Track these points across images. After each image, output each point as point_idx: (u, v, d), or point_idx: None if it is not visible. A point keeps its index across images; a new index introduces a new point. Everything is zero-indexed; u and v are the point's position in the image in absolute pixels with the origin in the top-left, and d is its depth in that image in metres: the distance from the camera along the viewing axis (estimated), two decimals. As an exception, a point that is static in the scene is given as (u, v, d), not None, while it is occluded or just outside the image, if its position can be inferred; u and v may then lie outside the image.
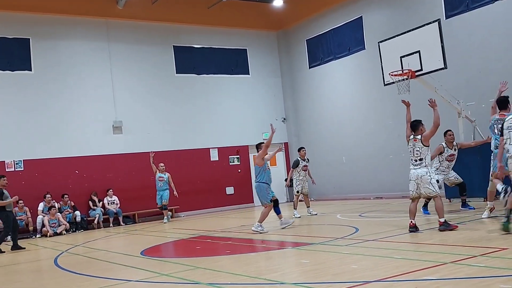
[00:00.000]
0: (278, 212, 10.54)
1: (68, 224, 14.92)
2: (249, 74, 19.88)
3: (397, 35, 12.67)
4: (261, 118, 19.79)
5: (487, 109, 13.14)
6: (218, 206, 18.44)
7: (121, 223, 16.11)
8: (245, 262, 7.35)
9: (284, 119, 20.47)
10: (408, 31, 12.40)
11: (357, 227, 9.29)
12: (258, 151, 10.57)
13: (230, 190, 18.92)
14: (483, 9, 13.47)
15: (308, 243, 8.15)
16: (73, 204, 15.57)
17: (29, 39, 16.01)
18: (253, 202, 19.16)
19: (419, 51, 11.88)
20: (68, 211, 15.31)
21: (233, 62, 19.54)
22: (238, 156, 19.25)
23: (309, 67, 19.43)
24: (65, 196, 15.45)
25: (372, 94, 16.64)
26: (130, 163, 17.05)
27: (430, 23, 11.96)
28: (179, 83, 18.35)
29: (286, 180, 20.22)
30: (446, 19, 14.04)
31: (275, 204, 10.46)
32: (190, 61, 18.63)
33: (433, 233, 7.89)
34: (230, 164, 19.10)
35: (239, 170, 19.23)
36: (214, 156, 18.71)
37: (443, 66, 11.60)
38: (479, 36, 13.62)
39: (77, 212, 15.38)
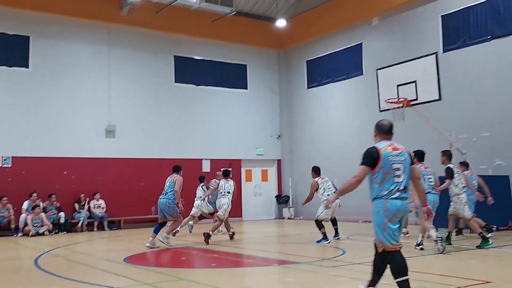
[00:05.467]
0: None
1: (51, 225, 14.71)
2: (247, 89, 20.01)
3: (395, 64, 12.91)
4: (256, 133, 19.89)
5: (478, 143, 13.38)
6: (206, 217, 18.31)
7: (106, 228, 15.96)
8: (230, 276, 7.32)
9: (278, 135, 20.56)
10: (406, 61, 12.64)
11: (344, 250, 9.30)
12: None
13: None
14: (479, 46, 13.74)
15: (294, 262, 8.15)
16: (58, 205, 15.40)
17: (29, 36, 15.99)
18: (241, 216, 19.11)
19: (415, 81, 12.10)
20: (53, 211, 15.13)
21: (232, 76, 19.66)
22: (230, 169, 19.19)
23: (307, 87, 19.61)
24: (53, 196, 15.27)
25: (367, 119, 16.74)
26: (120, 168, 16.97)
27: (428, 55, 12.23)
28: (177, 93, 18.40)
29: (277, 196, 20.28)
30: (443, 52, 14.29)
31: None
32: (189, 71, 18.71)
33: (418, 261, 7.93)
34: (222, 176, 19.06)
35: (229, 184, 19.18)
36: (206, 167, 18.67)
37: (438, 98, 11.82)
38: (474, 72, 13.86)
39: (62, 214, 15.18)
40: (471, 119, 13.75)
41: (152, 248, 10.20)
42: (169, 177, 11.13)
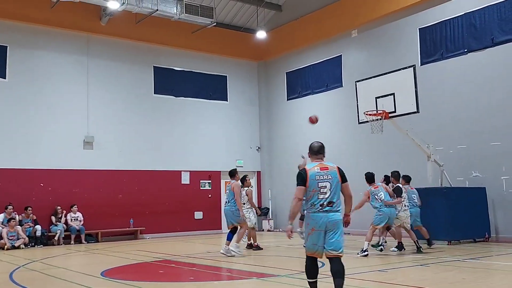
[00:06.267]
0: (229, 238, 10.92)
1: (27, 238, 14.43)
2: (227, 101, 20.00)
3: (374, 76, 13.04)
4: (235, 145, 19.87)
5: (455, 155, 13.59)
6: (185, 230, 18.20)
7: (83, 241, 15.69)
8: (209, 290, 7.23)
9: (258, 147, 20.56)
10: (384, 74, 12.78)
11: (323, 262, 9.27)
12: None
13: (198, 215, 18.73)
14: (456, 59, 14.00)
15: (273, 275, 8.11)
16: (35, 217, 15.09)
17: (6, 46, 15.76)
18: (221, 229, 19.00)
19: (393, 94, 12.21)
20: (29, 224, 14.83)
21: (212, 88, 19.65)
22: (210, 181, 19.16)
23: (287, 99, 19.71)
24: (29, 208, 14.97)
25: (347, 131, 16.93)
26: (98, 180, 16.74)
27: (405, 68, 12.37)
28: (156, 104, 18.30)
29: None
30: (421, 65, 14.52)
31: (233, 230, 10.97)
32: (169, 82, 18.64)
33: (396, 273, 7.97)
34: (201, 188, 18.97)
35: (210, 195, 19.11)
36: (185, 179, 18.56)
37: (415, 110, 11.95)
38: (451, 84, 14.11)
39: (38, 227, 14.89)
40: (448, 132, 13.96)
41: (225, 255, 10.44)
42: (228, 184, 11.50)
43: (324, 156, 5.74)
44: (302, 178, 5.47)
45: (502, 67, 12.99)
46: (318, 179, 5.43)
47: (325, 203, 5.39)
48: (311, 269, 5.58)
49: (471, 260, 9.14)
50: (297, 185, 5.50)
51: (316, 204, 5.40)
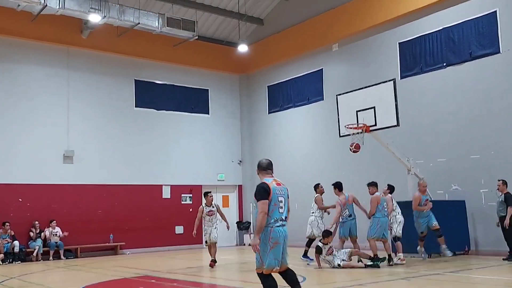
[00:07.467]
0: None
1: (3, 255, 14.12)
2: (208, 114, 19.96)
3: (355, 90, 13.14)
4: (217, 159, 19.79)
5: (435, 168, 13.73)
6: (166, 245, 18.00)
7: (62, 256, 15.40)
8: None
9: (240, 161, 20.52)
10: (365, 87, 12.88)
11: (304, 276, 9.25)
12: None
13: (179, 230, 18.54)
14: (435, 73, 14.22)
15: (254, 291, 8.02)
16: (12, 233, 14.79)
17: (-16, 59, 15.57)
18: (202, 243, 18.79)
19: (374, 107, 12.30)
20: (6, 240, 14.52)
21: (193, 101, 19.61)
22: (191, 195, 19.02)
23: (269, 112, 19.75)
24: (7, 224, 14.67)
25: (328, 144, 17.00)
26: (77, 194, 16.50)
27: (386, 81, 12.49)
28: (137, 117, 18.17)
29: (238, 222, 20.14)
30: (401, 79, 14.70)
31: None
32: (150, 96, 18.54)
33: (380, 287, 7.95)
34: (182, 202, 18.82)
35: (191, 210, 18.93)
36: (166, 193, 18.40)
37: (396, 124, 12.04)
38: (431, 98, 14.30)
39: (16, 242, 14.61)
40: (428, 145, 14.11)
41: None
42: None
43: (272, 172, 5.94)
44: (266, 192, 5.60)
45: (480, 80, 13.22)
46: (277, 194, 5.64)
47: (283, 217, 5.63)
48: (273, 281, 5.64)
49: (452, 274, 9.19)
50: (261, 199, 5.57)
51: (278, 219, 5.57)
